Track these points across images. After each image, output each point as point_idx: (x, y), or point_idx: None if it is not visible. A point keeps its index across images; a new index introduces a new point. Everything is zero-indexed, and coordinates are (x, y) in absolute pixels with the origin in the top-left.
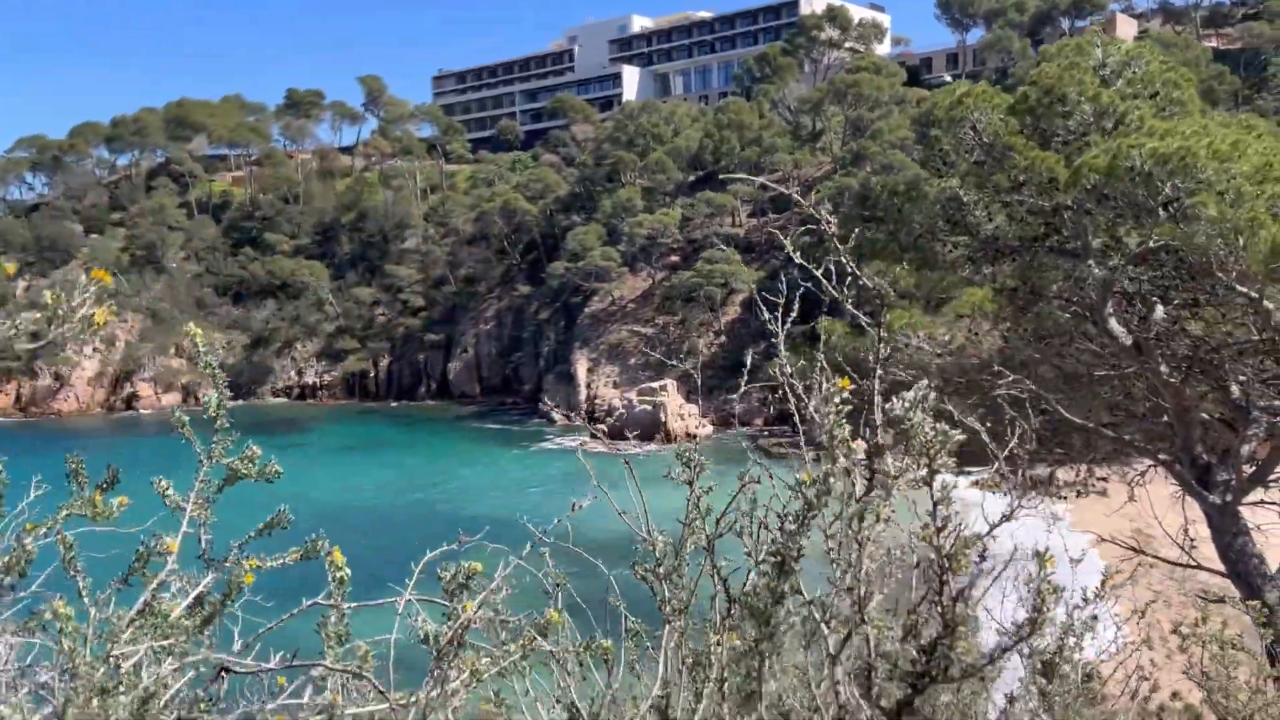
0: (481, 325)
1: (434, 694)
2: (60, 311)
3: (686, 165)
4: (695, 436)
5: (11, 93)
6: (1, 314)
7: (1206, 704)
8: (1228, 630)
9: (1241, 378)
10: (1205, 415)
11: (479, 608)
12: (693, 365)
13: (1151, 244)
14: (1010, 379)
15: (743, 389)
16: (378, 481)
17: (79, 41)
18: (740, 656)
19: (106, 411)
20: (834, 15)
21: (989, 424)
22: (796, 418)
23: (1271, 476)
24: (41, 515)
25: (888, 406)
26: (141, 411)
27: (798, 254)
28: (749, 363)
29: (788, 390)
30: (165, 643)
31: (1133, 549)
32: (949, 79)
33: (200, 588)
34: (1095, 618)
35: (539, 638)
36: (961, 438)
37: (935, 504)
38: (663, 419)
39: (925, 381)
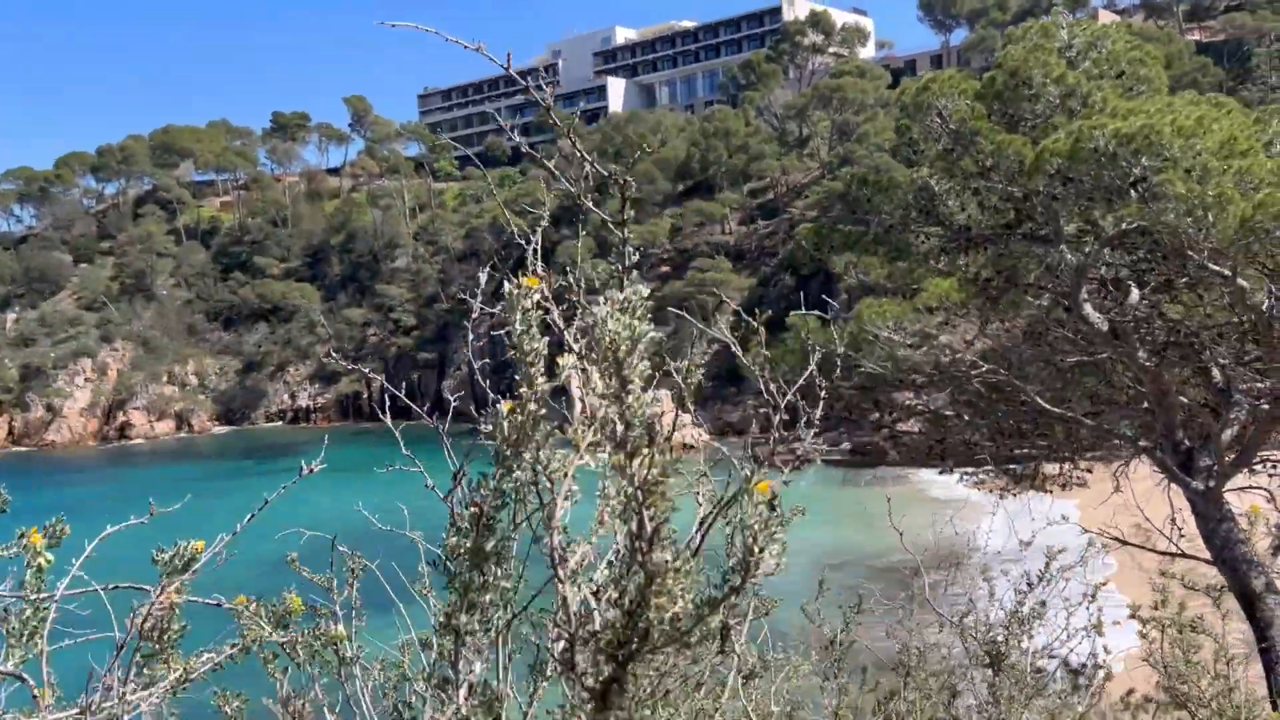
0: (475, 342)
1: (107, 703)
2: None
3: (674, 175)
4: (692, 447)
5: None
6: None
7: (1164, 690)
8: (1186, 612)
9: (1222, 360)
10: (1185, 400)
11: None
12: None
13: (1124, 227)
14: (985, 369)
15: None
16: (374, 503)
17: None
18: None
19: (101, 442)
20: (817, 21)
21: (966, 417)
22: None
23: (1254, 460)
24: None
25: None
26: (134, 441)
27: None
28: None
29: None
30: None
31: (1115, 539)
32: None
33: None
34: (1044, 603)
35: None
36: (659, 335)
37: (626, 424)
38: (657, 429)
39: (639, 279)
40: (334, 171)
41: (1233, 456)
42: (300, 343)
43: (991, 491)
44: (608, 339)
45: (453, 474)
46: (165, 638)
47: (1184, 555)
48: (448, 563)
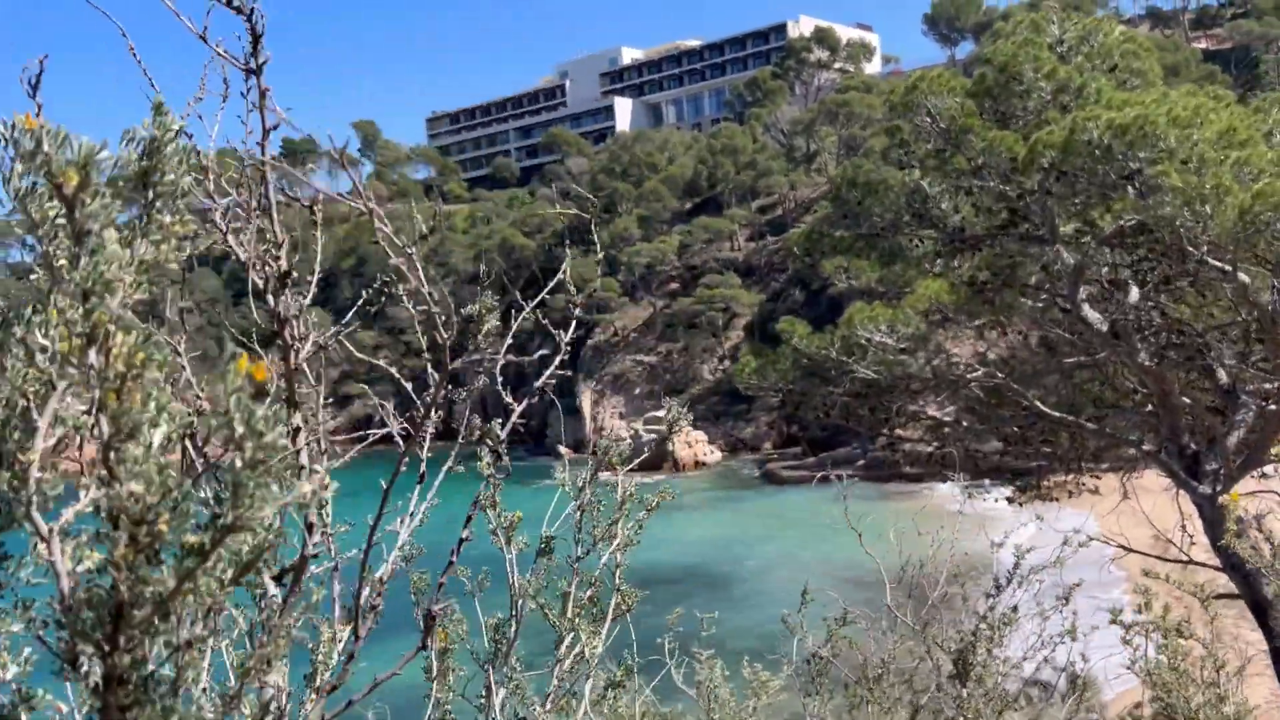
0: (485, 363)
1: None
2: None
3: (682, 193)
4: (704, 464)
5: None
6: None
7: (1149, 700)
8: (1170, 615)
9: (1229, 361)
10: (1189, 401)
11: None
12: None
13: (1122, 224)
14: (980, 372)
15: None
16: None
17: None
18: None
19: None
20: (822, 37)
21: (965, 423)
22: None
23: (1263, 462)
24: None
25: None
26: None
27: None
28: None
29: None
30: None
31: (1122, 546)
32: None
33: None
34: (1015, 609)
35: None
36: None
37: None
38: (670, 447)
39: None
40: (344, 196)
41: (1240, 460)
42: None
43: (997, 501)
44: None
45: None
46: None
47: (1193, 563)
48: None
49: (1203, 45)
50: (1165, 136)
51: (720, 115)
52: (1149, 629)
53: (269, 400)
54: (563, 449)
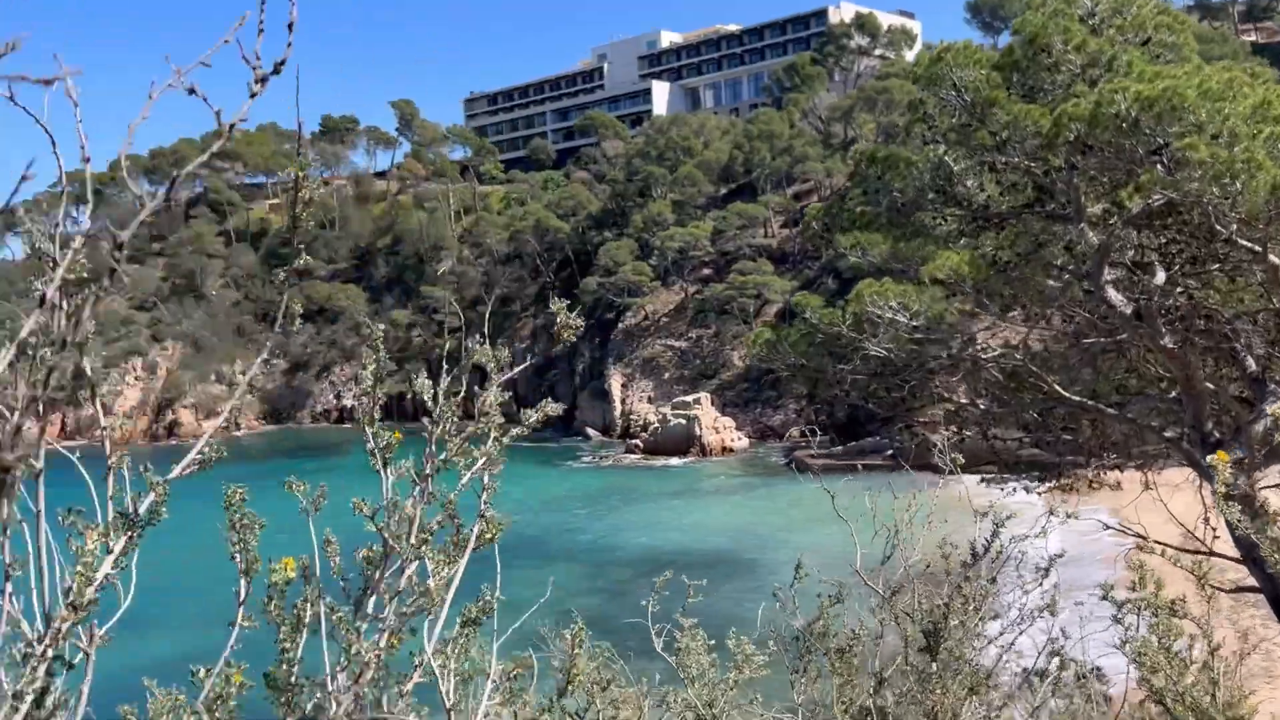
0: (517, 344)
1: None
2: None
3: (717, 178)
4: (731, 449)
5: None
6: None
7: (1139, 682)
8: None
9: (1259, 351)
10: (1212, 386)
11: None
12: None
13: (1150, 203)
14: (998, 353)
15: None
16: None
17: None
18: None
19: (150, 440)
20: (863, 23)
21: (982, 406)
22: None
23: None
24: None
25: None
26: (183, 440)
27: None
28: None
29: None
30: None
31: (1139, 536)
32: None
33: None
34: (994, 579)
35: None
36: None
37: None
38: (697, 433)
39: None
40: (381, 175)
41: (1265, 450)
42: (345, 344)
43: (1014, 491)
44: None
45: None
46: None
47: (1214, 554)
48: None
49: (1252, 38)
50: (1195, 110)
51: (758, 100)
52: (1140, 607)
53: None
54: (590, 431)
